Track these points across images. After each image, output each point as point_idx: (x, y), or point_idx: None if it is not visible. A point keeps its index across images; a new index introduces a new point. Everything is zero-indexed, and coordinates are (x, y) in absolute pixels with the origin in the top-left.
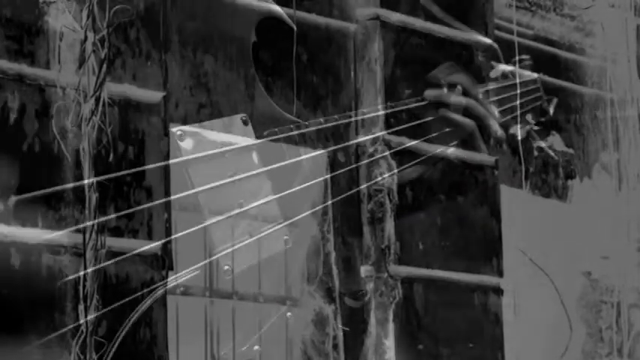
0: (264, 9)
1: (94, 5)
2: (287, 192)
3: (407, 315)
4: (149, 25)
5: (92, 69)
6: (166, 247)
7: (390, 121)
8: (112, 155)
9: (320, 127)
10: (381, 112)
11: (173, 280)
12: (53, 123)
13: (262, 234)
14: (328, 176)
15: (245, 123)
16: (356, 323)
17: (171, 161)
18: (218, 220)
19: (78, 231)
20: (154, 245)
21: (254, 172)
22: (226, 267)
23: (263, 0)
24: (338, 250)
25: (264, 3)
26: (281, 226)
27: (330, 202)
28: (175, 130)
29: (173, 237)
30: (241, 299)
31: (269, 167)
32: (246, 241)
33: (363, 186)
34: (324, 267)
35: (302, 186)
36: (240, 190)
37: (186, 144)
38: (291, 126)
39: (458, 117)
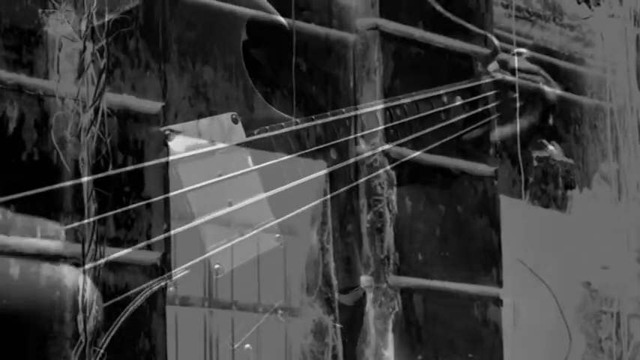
0: (264, 18)
1: (93, 16)
2: (276, 191)
3: (406, 325)
4: (148, 35)
5: (91, 79)
6: (165, 257)
7: (389, 132)
8: (110, 165)
9: (309, 124)
10: (379, 109)
11: (166, 280)
12: (52, 133)
13: (253, 232)
14: (327, 183)
15: (235, 121)
16: (355, 332)
17: (170, 168)
18: (207, 220)
19: (77, 241)
20: (149, 252)
21: (243, 171)
22: (217, 265)
23: (265, 11)
24: (337, 259)
25: (264, 13)
26: (271, 224)
27: (329, 212)
28: (163, 129)
29: (157, 237)
30: (240, 309)
31: (257, 167)
32: (237, 240)
33: (361, 185)
34: (323, 277)
35: (292, 184)
36: (229, 189)
37: (175, 144)
38: (282, 124)
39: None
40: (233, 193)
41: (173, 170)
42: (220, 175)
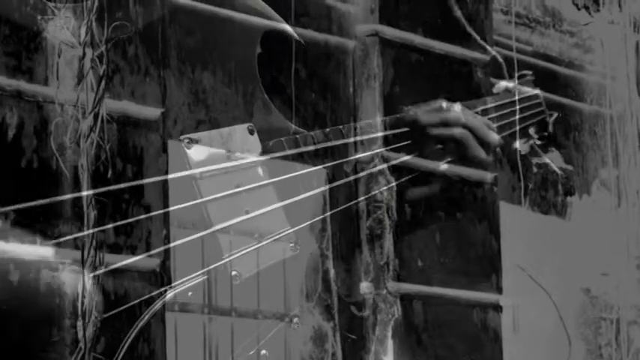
0: (263, 25)
1: (92, 21)
2: (291, 200)
3: (406, 332)
4: (147, 41)
5: (91, 85)
6: (164, 264)
7: (388, 138)
8: (110, 172)
9: (323, 142)
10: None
11: (175, 289)
12: (52, 139)
13: (269, 240)
14: (327, 189)
15: (251, 133)
16: (355, 339)
17: (170, 176)
18: (224, 227)
19: (76, 247)
20: (149, 259)
21: (261, 183)
22: (234, 272)
23: (269, 18)
24: (337, 266)
25: (264, 19)
26: (289, 231)
27: (328, 218)
28: (183, 137)
29: (161, 247)
30: (240, 316)
31: (276, 179)
32: (253, 247)
33: (362, 199)
34: (322, 284)
35: (306, 194)
36: (246, 198)
37: (194, 152)
38: (297, 136)
39: (446, 130)
40: (250, 201)
41: (192, 180)
42: (238, 186)
